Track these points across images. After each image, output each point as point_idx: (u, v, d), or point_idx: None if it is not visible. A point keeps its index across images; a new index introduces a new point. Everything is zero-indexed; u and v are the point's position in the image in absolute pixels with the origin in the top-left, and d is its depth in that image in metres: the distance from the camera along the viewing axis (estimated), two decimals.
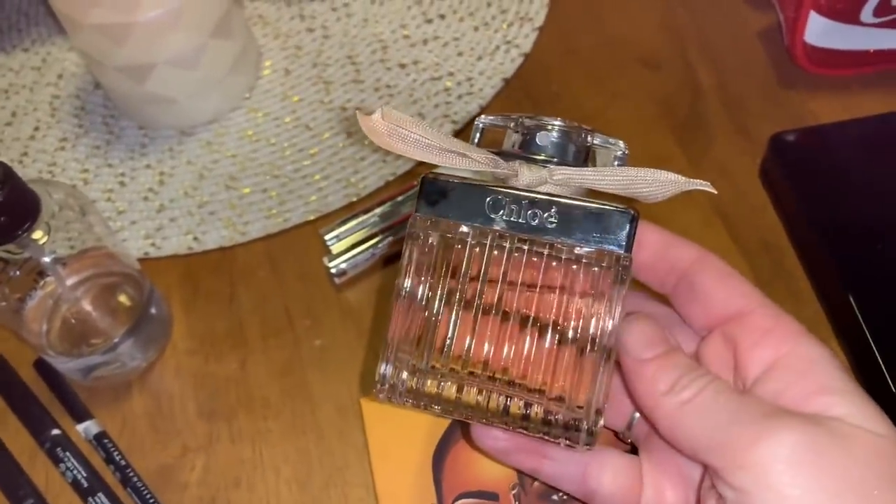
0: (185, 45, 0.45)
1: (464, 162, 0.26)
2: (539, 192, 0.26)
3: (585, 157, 0.28)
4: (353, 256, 0.42)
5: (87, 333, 0.39)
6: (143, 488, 0.37)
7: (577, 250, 0.26)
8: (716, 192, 0.26)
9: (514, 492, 0.34)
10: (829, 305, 0.39)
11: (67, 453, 0.38)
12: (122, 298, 0.40)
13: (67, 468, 0.37)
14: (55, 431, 0.39)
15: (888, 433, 0.23)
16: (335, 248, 0.43)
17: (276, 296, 0.43)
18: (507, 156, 0.27)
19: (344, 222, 0.43)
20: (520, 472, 0.34)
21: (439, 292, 0.27)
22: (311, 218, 0.45)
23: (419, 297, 0.28)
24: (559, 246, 0.26)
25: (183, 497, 0.37)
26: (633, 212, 0.25)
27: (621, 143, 0.28)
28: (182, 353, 0.41)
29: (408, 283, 0.28)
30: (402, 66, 0.51)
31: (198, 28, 0.46)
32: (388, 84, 0.51)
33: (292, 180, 0.47)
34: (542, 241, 0.26)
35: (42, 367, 0.41)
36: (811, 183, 0.41)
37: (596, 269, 0.26)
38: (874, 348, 0.36)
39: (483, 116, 0.29)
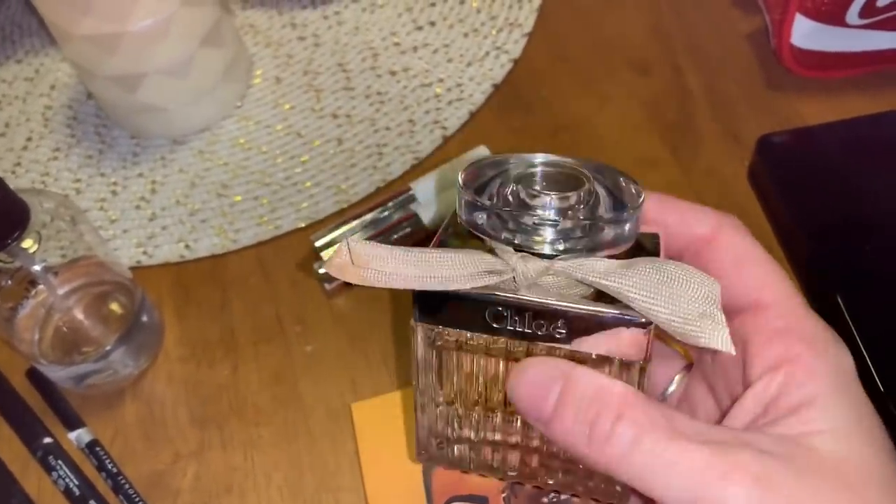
0: (176, 54, 0.46)
1: (452, 285, 0.23)
2: (543, 300, 0.23)
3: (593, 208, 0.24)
4: None
5: (79, 342, 0.39)
6: (134, 495, 0.37)
7: (592, 356, 0.23)
8: (734, 353, 0.22)
9: (503, 495, 0.34)
10: (817, 306, 0.39)
11: (60, 461, 0.38)
12: (114, 306, 0.40)
13: (60, 476, 0.37)
14: (47, 440, 0.39)
15: (869, 458, 0.22)
16: (326, 255, 0.43)
17: (268, 302, 0.43)
18: (496, 238, 0.24)
19: (335, 229, 0.43)
20: None
21: (456, 394, 0.26)
22: (303, 225, 0.46)
23: (437, 399, 0.26)
24: (570, 350, 0.23)
25: None
26: (649, 323, 0.23)
27: (633, 189, 0.24)
28: (174, 361, 0.41)
29: (423, 385, 0.26)
30: (393, 73, 0.52)
31: (188, 37, 0.46)
32: (378, 91, 0.51)
33: (283, 187, 0.47)
34: (553, 349, 0.23)
35: (34, 376, 0.41)
36: (799, 184, 0.42)
37: (612, 368, 0.24)
38: (862, 348, 0.36)
39: (464, 190, 0.24)
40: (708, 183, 0.44)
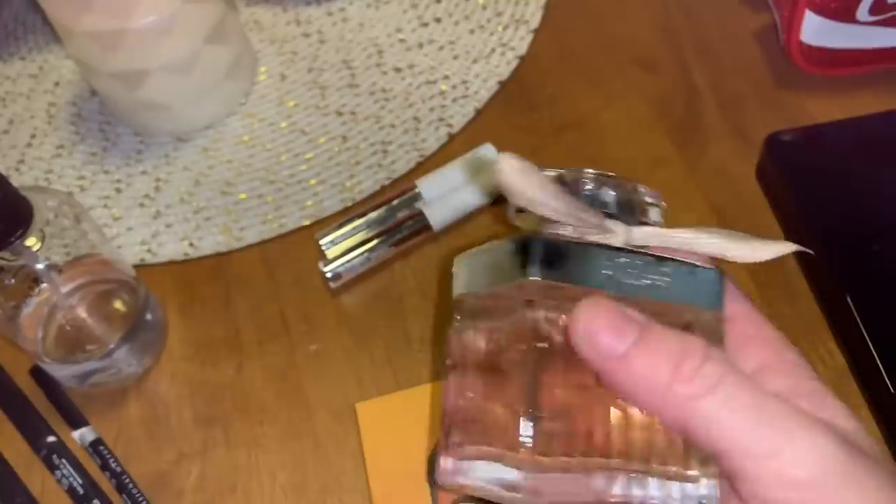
0: (180, 51, 0.45)
1: (583, 223, 0.24)
2: (648, 251, 0.24)
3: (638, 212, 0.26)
4: (349, 261, 0.42)
5: (83, 340, 0.39)
6: (138, 495, 0.37)
7: (683, 312, 0.24)
8: (811, 252, 0.25)
9: None
10: (827, 306, 0.39)
11: (63, 460, 0.38)
12: (118, 305, 0.40)
13: (63, 475, 0.37)
14: (51, 438, 0.39)
15: (876, 450, 0.23)
16: (331, 253, 0.43)
17: (272, 301, 0.43)
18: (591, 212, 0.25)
19: (339, 227, 0.43)
20: None
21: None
22: (307, 223, 0.45)
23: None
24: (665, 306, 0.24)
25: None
26: (721, 269, 0.25)
27: (663, 203, 0.26)
28: (178, 360, 0.41)
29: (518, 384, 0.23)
30: (398, 69, 0.51)
31: (192, 34, 0.46)
32: (383, 88, 0.51)
33: (288, 185, 0.47)
34: (658, 303, 0.24)
35: (38, 375, 0.41)
36: (808, 183, 0.41)
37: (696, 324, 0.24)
38: (872, 349, 0.35)
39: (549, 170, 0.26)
40: (715, 181, 0.44)
